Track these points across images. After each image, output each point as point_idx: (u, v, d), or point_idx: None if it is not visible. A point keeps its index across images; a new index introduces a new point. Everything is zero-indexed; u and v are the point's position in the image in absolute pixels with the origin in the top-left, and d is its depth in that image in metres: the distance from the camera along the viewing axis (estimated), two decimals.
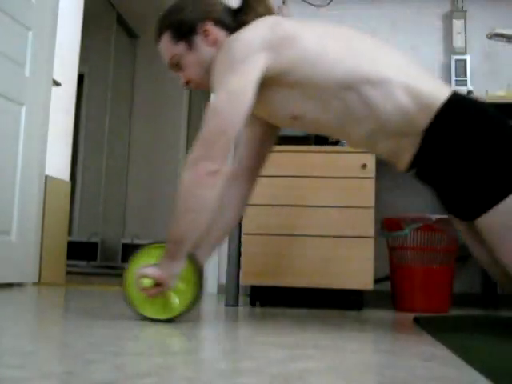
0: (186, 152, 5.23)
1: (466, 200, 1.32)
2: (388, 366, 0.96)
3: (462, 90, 2.50)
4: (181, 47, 1.47)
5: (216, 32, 1.46)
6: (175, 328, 1.35)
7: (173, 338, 1.19)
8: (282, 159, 2.05)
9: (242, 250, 2.06)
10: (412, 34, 2.74)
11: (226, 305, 1.99)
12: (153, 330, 1.28)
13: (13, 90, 2.45)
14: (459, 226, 1.44)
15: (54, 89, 2.92)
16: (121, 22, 5.40)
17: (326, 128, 1.44)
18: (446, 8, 2.74)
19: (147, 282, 1.35)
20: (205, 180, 1.30)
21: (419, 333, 1.43)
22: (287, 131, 1.90)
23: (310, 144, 2.18)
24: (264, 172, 2.07)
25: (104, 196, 5.22)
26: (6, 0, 2.39)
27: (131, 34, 5.52)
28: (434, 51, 2.72)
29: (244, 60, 1.33)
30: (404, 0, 2.77)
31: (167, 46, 1.49)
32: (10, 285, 2.45)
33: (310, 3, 2.77)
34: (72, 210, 4.60)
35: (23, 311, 1.53)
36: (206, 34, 1.46)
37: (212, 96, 1.37)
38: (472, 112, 1.31)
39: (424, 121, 1.30)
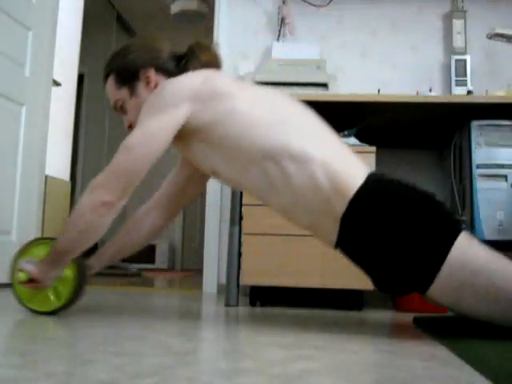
0: None
1: (408, 281, 1.27)
2: (388, 366, 0.96)
3: (462, 89, 2.51)
4: (123, 92, 1.49)
5: (157, 79, 1.48)
6: (175, 328, 1.35)
7: (173, 338, 1.20)
8: None
9: (242, 250, 2.06)
10: (412, 34, 2.74)
11: (226, 305, 1.99)
12: (153, 330, 1.28)
13: (13, 89, 2.45)
14: None
15: (54, 89, 2.92)
16: (121, 21, 5.41)
17: (246, 190, 1.43)
18: (446, 8, 2.75)
19: (23, 276, 1.43)
20: (97, 208, 1.33)
21: (419, 333, 1.43)
22: None
23: None
24: None
25: None
26: (6, 0, 2.39)
27: (131, 33, 5.51)
28: (434, 51, 2.73)
29: (169, 105, 1.34)
30: (404, 0, 2.77)
31: (111, 90, 1.51)
32: (9, 285, 2.45)
33: (310, 3, 2.78)
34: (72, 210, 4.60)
35: (23, 311, 1.53)
36: (147, 80, 1.47)
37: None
38: (387, 195, 1.27)
39: (340, 206, 1.27)
